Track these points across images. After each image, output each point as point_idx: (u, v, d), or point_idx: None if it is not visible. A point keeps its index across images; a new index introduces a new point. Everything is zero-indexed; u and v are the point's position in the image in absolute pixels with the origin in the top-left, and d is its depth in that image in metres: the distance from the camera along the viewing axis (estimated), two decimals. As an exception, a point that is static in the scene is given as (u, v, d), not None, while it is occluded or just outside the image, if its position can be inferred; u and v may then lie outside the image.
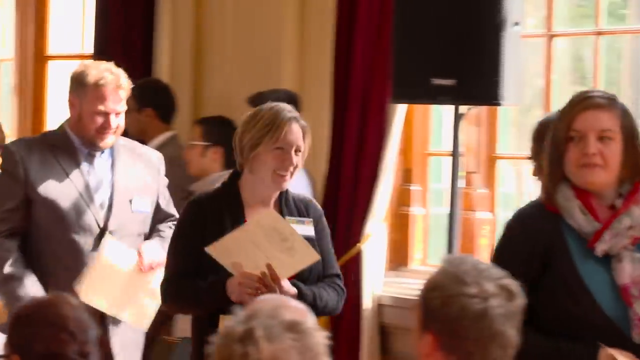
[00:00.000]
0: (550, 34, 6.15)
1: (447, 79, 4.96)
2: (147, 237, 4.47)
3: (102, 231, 4.18)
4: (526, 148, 4.52)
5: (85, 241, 4.16)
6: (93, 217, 4.18)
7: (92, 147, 4.26)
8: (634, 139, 2.97)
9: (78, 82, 4.26)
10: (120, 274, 4.30)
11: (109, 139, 4.22)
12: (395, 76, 5.29)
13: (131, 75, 4.88)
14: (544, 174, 3.08)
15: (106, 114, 4.13)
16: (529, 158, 3.98)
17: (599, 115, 2.94)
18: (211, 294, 3.66)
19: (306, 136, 3.78)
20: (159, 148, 6.11)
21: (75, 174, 4.23)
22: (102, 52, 7.61)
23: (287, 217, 3.81)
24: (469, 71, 5.00)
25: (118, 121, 4.22)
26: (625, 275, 2.92)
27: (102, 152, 4.29)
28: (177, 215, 4.27)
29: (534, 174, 3.76)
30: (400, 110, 5.86)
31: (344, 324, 5.80)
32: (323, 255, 3.77)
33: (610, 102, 2.98)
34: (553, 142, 3.03)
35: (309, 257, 3.68)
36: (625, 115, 2.99)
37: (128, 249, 4.32)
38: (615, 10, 6.42)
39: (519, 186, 6.93)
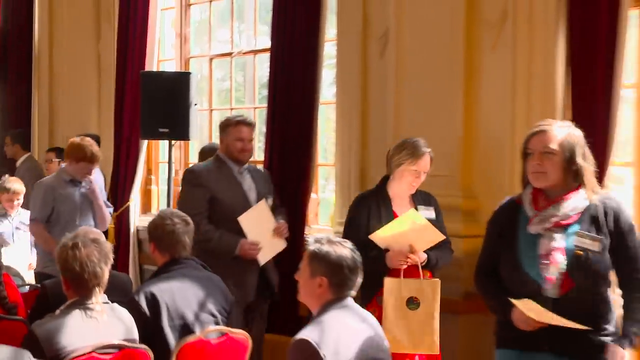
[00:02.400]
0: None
1: (164, 129, 7.23)
2: None
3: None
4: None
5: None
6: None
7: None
8: (573, 154, 3.68)
9: None
10: (267, 222, 5.74)
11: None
12: (142, 124, 7.47)
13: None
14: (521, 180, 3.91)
15: None
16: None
17: (543, 137, 3.70)
18: (377, 264, 4.81)
19: (432, 162, 5.05)
20: (22, 163, 8.68)
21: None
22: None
23: (419, 205, 5.13)
24: (174, 126, 7.20)
25: None
26: (542, 248, 3.70)
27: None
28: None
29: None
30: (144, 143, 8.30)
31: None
32: (441, 229, 4.99)
33: (553, 129, 3.72)
34: (521, 158, 3.83)
35: (436, 237, 4.90)
36: (567, 138, 3.70)
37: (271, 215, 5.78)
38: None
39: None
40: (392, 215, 5.05)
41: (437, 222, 5.07)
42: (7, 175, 8.25)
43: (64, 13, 9.70)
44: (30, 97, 10.02)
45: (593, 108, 5.09)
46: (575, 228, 3.71)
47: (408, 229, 4.86)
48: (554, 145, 3.70)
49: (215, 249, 5.61)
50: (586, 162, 3.75)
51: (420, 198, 5.19)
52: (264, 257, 5.75)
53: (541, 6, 5.44)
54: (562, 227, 3.71)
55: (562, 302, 3.66)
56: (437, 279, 4.97)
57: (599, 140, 4.98)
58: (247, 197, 5.75)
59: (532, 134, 3.80)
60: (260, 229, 5.72)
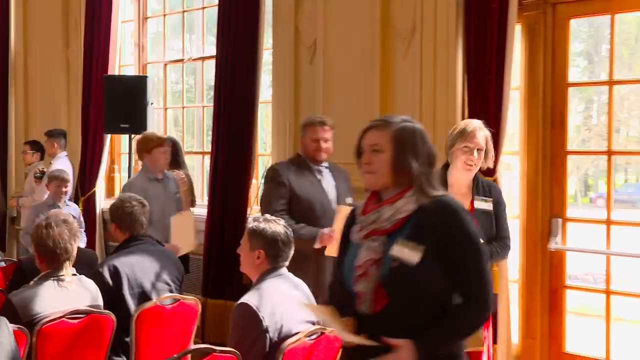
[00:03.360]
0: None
1: (125, 124, 7.37)
2: None
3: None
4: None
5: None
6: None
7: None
8: (404, 151, 2.81)
9: None
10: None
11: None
12: (105, 120, 7.55)
13: None
14: None
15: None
16: None
17: (373, 134, 2.87)
18: None
19: (489, 141, 4.30)
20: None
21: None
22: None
23: (476, 196, 4.28)
24: (133, 122, 7.33)
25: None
26: (359, 259, 2.79)
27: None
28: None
29: None
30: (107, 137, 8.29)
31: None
32: (498, 223, 4.28)
33: (385, 124, 2.88)
34: (355, 157, 2.98)
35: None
36: (397, 133, 2.83)
37: None
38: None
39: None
40: None
41: (489, 216, 4.27)
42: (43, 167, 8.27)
43: (36, 23, 9.58)
44: (7, 97, 9.85)
45: (486, 106, 5.16)
46: (402, 236, 2.76)
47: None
48: (383, 142, 2.87)
49: (297, 241, 4.17)
50: (419, 161, 2.85)
51: (481, 188, 4.37)
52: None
53: (443, 22, 5.50)
54: (386, 235, 2.79)
55: (377, 318, 2.75)
56: None
57: (492, 133, 5.10)
58: (326, 194, 5.16)
59: (364, 130, 2.99)
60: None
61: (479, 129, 4.27)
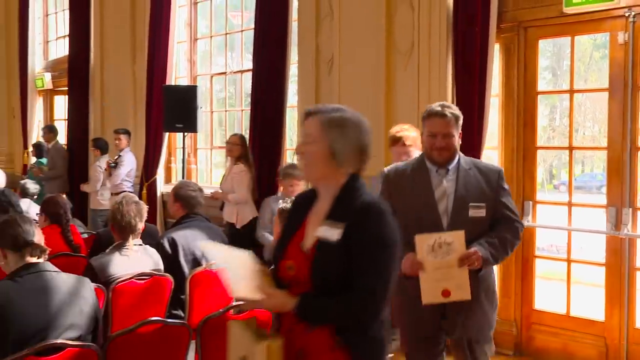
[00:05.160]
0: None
1: (179, 124, 7.37)
2: None
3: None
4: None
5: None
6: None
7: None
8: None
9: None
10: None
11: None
12: (164, 121, 7.55)
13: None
14: None
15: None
16: None
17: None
18: None
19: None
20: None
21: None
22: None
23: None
24: (186, 123, 7.29)
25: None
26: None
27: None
28: None
29: None
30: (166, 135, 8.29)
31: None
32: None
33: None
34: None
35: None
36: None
37: None
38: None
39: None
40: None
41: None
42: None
43: (110, 43, 9.61)
44: (87, 102, 9.89)
45: (471, 111, 5.12)
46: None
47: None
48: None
49: None
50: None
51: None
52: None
53: (436, 41, 5.46)
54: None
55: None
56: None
57: (476, 133, 5.10)
58: (435, 204, 3.22)
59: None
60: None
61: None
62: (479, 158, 5.04)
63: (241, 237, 6.15)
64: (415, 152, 4.18)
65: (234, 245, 2.40)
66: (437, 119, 3.26)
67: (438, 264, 3.04)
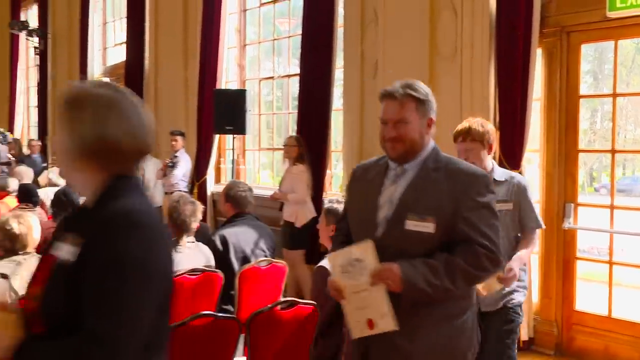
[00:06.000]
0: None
1: (229, 127, 7.31)
2: None
3: None
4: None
5: None
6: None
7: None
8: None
9: None
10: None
11: None
12: (215, 123, 7.49)
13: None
14: None
15: None
16: None
17: None
18: None
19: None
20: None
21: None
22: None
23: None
24: (235, 125, 7.24)
25: None
26: None
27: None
28: None
29: None
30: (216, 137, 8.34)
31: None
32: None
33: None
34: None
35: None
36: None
37: None
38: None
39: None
40: None
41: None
42: None
43: (163, 50, 9.74)
44: (141, 106, 10.05)
45: (514, 114, 5.06)
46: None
47: None
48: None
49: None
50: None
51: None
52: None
53: (479, 46, 5.40)
54: None
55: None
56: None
57: (517, 135, 5.03)
58: (375, 210, 2.39)
59: None
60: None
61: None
62: (519, 161, 4.98)
63: (300, 236, 6.15)
64: (483, 154, 3.35)
65: (293, 244, 2.38)
66: (387, 102, 2.41)
67: (355, 286, 2.28)
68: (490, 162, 3.38)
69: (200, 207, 4.13)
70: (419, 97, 2.37)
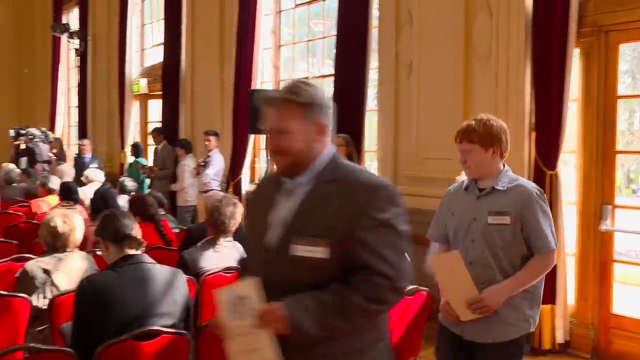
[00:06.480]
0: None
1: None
2: None
3: None
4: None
5: None
6: None
7: None
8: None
9: None
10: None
11: None
12: (250, 124, 7.33)
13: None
14: None
15: None
16: None
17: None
18: None
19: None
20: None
21: None
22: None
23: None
24: None
25: None
26: None
27: None
28: None
29: None
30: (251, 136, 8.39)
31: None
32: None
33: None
34: None
35: None
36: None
37: None
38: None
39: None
40: None
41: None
42: None
43: (200, 52, 9.82)
44: (178, 109, 10.12)
45: (550, 115, 5.00)
46: None
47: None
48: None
49: None
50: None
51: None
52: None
53: (514, 47, 5.34)
54: None
55: None
56: None
57: (554, 136, 4.97)
58: (263, 233, 2.04)
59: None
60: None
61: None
62: (555, 163, 4.91)
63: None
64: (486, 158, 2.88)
65: None
66: (266, 109, 2.04)
67: (241, 328, 1.99)
68: (499, 168, 2.83)
69: (241, 209, 4.14)
70: (300, 101, 1.98)
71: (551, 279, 4.75)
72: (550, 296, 4.77)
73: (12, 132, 11.95)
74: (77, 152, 11.34)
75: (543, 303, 3.11)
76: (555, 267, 4.65)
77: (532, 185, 2.82)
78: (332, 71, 7.22)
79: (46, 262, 3.51)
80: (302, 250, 1.92)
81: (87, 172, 8.00)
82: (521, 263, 2.74)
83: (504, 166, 2.86)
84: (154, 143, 9.99)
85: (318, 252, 1.90)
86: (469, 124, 2.84)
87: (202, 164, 8.30)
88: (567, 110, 4.98)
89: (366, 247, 1.90)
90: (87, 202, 6.37)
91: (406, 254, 1.96)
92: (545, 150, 5.00)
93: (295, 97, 1.99)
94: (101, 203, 5.22)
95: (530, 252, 2.75)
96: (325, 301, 1.88)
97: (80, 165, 10.15)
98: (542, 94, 5.09)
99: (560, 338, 4.97)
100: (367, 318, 1.96)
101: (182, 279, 3.02)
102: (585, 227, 5.11)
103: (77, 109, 14.08)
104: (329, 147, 2.05)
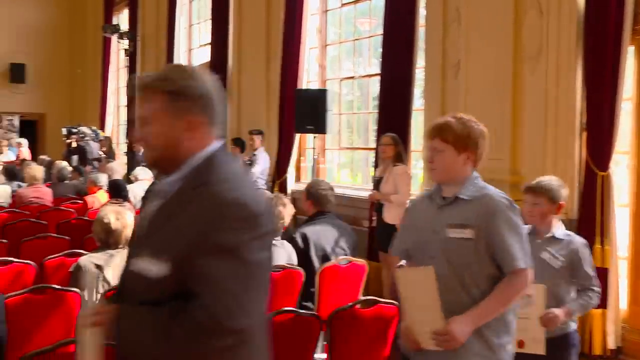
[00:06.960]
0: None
1: (310, 126, 7.33)
2: None
3: None
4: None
5: None
6: None
7: None
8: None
9: None
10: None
11: None
12: (296, 123, 7.59)
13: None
14: None
15: None
16: None
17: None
18: None
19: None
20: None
21: None
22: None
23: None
24: (316, 125, 7.19)
25: None
26: None
27: None
28: None
29: None
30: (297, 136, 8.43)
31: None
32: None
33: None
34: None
35: None
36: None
37: None
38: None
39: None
40: None
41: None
42: None
43: (247, 52, 9.91)
44: (225, 107, 10.21)
45: (602, 115, 4.87)
46: None
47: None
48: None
49: None
50: None
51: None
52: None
53: (565, 46, 5.23)
54: None
55: None
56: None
57: (606, 136, 4.84)
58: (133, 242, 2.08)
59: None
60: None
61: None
62: (607, 163, 4.79)
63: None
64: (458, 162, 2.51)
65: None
66: (138, 93, 1.86)
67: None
68: (467, 174, 2.48)
69: (290, 210, 4.16)
70: (168, 89, 1.74)
71: (603, 282, 4.64)
72: (601, 300, 4.64)
73: (64, 131, 12.27)
74: (128, 149, 11.49)
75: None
76: (606, 271, 4.56)
77: (501, 195, 2.45)
78: (379, 70, 7.22)
79: (98, 257, 3.58)
80: (143, 263, 1.71)
81: (135, 171, 8.13)
82: (490, 284, 2.37)
83: (473, 173, 2.49)
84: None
85: (154, 269, 1.67)
86: (446, 120, 2.48)
87: (248, 162, 8.37)
88: (620, 110, 4.85)
89: (199, 276, 1.63)
90: (135, 200, 6.49)
91: (257, 287, 1.74)
92: (597, 150, 4.88)
93: (164, 85, 1.75)
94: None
95: (501, 272, 2.39)
96: (146, 323, 1.70)
97: (133, 162, 10.18)
98: (594, 92, 4.97)
99: (611, 344, 4.84)
100: (191, 352, 1.65)
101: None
102: (638, 229, 4.97)
103: (126, 108, 14.33)
104: (210, 146, 1.78)
